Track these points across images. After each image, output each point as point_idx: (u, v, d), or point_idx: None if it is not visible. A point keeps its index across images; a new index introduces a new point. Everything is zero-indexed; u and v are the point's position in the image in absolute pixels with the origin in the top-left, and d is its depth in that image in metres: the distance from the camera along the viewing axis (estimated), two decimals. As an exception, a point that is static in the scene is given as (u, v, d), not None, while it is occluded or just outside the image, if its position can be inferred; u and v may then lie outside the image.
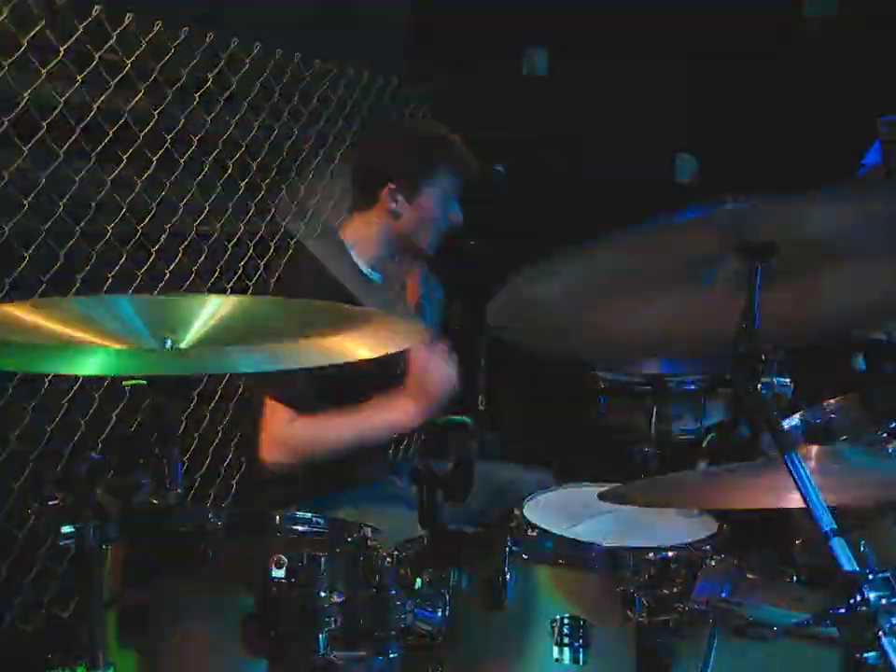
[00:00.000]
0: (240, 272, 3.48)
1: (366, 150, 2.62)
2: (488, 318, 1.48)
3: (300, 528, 1.74)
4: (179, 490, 1.45)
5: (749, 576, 1.92)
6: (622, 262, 1.39)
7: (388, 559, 1.67)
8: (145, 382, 1.41)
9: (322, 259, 2.56)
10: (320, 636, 1.53)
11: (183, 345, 1.44)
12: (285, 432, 2.42)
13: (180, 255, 3.23)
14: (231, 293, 3.30)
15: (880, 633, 1.03)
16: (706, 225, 1.26)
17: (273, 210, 3.64)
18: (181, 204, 3.21)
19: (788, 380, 1.34)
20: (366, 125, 3.95)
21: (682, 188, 4.87)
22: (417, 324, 1.52)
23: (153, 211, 3.10)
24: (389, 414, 2.48)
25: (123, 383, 1.66)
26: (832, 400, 2.57)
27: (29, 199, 2.69)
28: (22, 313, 1.44)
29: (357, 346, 1.34)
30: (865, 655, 1.05)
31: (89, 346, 1.36)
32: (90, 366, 1.25)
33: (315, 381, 2.40)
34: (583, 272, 1.42)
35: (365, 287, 2.58)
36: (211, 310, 1.53)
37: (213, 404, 3.35)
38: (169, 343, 1.43)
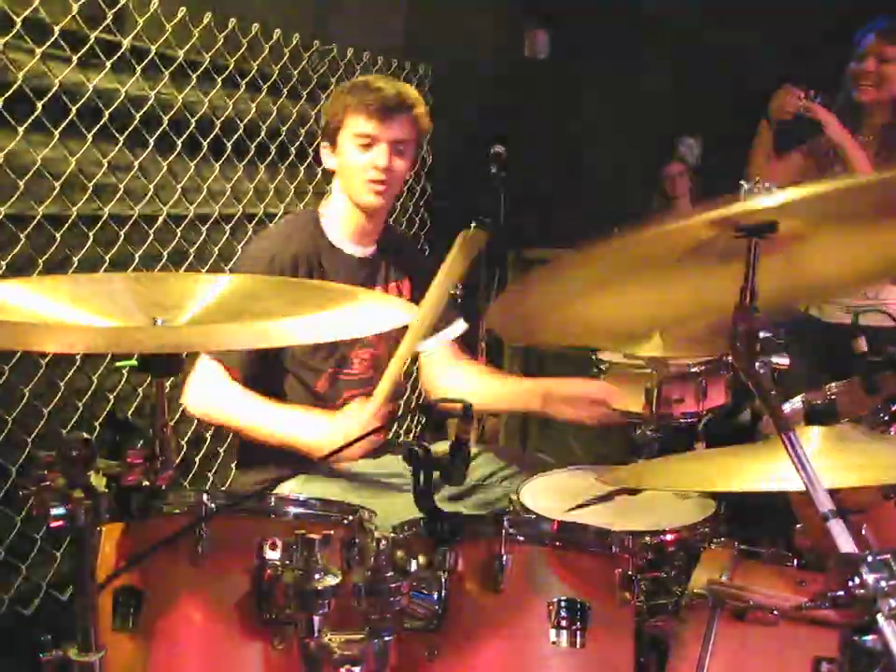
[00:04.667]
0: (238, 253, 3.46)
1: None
2: (488, 323, 1.47)
3: (294, 510, 1.73)
4: (171, 471, 1.43)
5: (749, 559, 1.91)
6: (618, 260, 1.36)
7: (384, 541, 1.66)
8: (135, 362, 1.39)
9: (285, 234, 2.56)
10: (315, 618, 1.52)
11: (174, 323, 1.42)
12: (216, 390, 2.41)
13: (178, 237, 3.21)
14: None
15: (878, 615, 1.02)
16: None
17: (271, 190, 3.64)
18: (178, 186, 3.19)
19: (786, 358, 1.32)
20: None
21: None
22: (405, 303, 1.49)
23: (150, 192, 3.09)
24: (303, 429, 2.39)
25: (116, 364, 1.65)
26: (833, 383, 2.56)
27: (24, 180, 2.67)
28: (12, 291, 1.42)
29: (346, 324, 1.32)
30: (863, 638, 1.04)
31: (78, 324, 1.35)
32: (79, 343, 1.23)
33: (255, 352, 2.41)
34: (579, 273, 1.39)
35: (331, 258, 2.57)
36: (204, 289, 1.51)
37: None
38: (161, 321, 1.41)
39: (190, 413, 2.47)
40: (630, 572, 1.72)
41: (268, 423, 2.40)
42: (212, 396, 2.43)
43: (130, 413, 3.01)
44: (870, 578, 1.04)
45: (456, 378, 2.75)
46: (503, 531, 1.67)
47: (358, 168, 2.52)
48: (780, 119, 3.49)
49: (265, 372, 2.48)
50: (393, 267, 2.70)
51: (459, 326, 2.80)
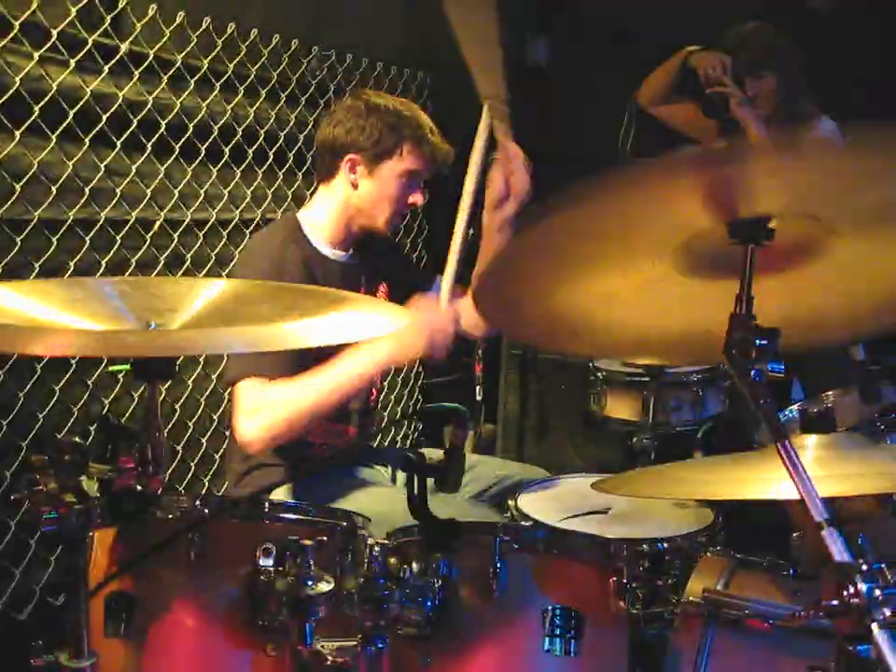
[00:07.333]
0: (235, 259, 3.45)
1: (331, 120, 2.58)
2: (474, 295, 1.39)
3: (288, 516, 1.73)
4: (163, 476, 1.43)
5: (745, 568, 1.90)
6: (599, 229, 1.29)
7: (377, 548, 1.65)
8: (128, 366, 1.39)
9: (280, 240, 2.53)
10: (308, 625, 1.51)
11: (168, 327, 1.41)
12: (258, 400, 2.26)
13: (175, 241, 3.21)
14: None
15: (873, 624, 1.01)
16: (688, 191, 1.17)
17: (269, 196, 3.63)
18: (176, 191, 3.19)
19: (781, 365, 1.31)
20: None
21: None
22: (401, 309, 1.48)
23: (147, 197, 3.08)
24: (362, 357, 2.28)
25: (110, 368, 1.64)
26: (830, 391, 2.55)
27: (20, 184, 2.66)
28: (6, 295, 1.41)
29: (341, 329, 1.31)
30: (858, 648, 1.03)
31: (72, 327, 1.34)
32: (73, 346, 1.23)
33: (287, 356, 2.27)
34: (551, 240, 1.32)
35: (322, 265, 2.55)
36: (198, 293, 1.51)
37: (207, 392, 3.33)
38: (154, 324, 1.40)
39: (253, 444, 2.28)
40: (625, 581, 1.71)
41: (341, 378, 2.28)
42: (267, 404, 2.27)
43: (123, 417, 2.99)
44: (864, 587, 1.04)
45: None
46: (497, 538, 1.67)
47: (398, 200, 2.57)
48: (693, 69, 3.40)
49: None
50: (371, 271, 2.70)
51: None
